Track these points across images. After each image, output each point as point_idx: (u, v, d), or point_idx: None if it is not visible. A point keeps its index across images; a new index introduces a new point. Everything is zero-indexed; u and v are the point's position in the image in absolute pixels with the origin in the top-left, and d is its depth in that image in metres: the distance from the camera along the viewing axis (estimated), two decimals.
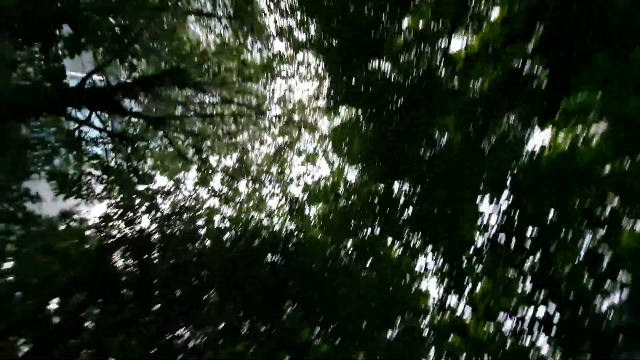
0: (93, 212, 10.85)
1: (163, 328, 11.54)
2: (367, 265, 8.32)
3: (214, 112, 8.50)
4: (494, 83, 6.72)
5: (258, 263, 10.94)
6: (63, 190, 9.70)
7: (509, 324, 5.94)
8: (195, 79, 7.50)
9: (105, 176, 10.62)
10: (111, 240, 11.10)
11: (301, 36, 8.47)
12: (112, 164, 10.48)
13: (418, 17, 7.00)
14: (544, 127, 6.69)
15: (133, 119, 8.52)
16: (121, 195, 11.25)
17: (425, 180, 6.84)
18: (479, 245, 5.50)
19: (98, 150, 10.90)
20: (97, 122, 9.20)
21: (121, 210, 11.61)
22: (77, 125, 7.70)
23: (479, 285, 5.66)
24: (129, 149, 8.48)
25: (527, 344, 5.58)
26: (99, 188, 10.74)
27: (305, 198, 9.41)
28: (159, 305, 12.23)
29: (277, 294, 10.63)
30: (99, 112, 7.32)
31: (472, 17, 6.83)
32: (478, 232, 5.83)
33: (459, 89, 6.87)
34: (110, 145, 8.61)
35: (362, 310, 8.65)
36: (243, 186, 11.44)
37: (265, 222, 10.81)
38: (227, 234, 11.51)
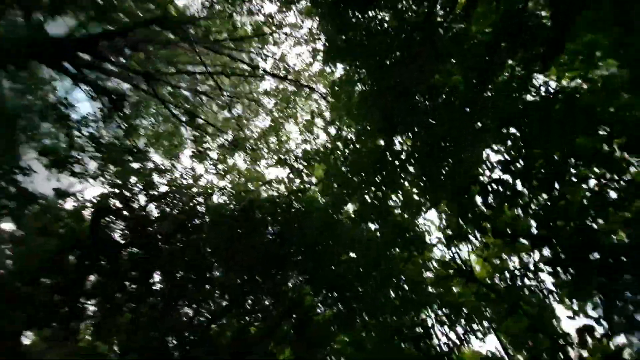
0: (88, 189, 10.61)
1: (167, 306, 11.49)
2: (370, 225, 8.22)
3: (206, 71, 8.18)
4: (496, 25, 6.46)
5: (259, 234, 10.82)
6: (55, 167, 9.45)
7: (516, 264, 5.92)
8: (183, 33, 7.16)
9: (98, 153, 10.36)
10: (109, 218, 10.91)
11: None
12: (105, 139, 10.19)
13: None
14: (548, 69, 6.48)
15: (120, 81, 8.13)
16: (116, 174, 11.02)
17: (429, 132, 6.66)
18: (484, 188, 5.38)
19: (90, 129, 10.60)
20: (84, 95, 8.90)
21: (117, 189, 11.39)
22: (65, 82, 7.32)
23: (485, 228, 5.55)
24: (120, 115, 8.18)
25: (534, 282, 5.55)
26: (92, 165, 10.50)
27: (304, 164, 9.21)
28: (161, 283, 12.16)
29: (279, 263, 10.54)
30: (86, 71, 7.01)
31: None
32: (483, 176, 5.69)
33: (461, 34, 6.61)
34: (100, 113, 8.29)
35: (365, 272, 8.59)
36: (241, 157, 11.24)
37: (264, 192, 10.66)
38: (227, 208, 11.36)
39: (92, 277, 11.43)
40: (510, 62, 6.64)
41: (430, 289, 7.65)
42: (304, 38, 9.77)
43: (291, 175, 8.75)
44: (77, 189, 11.12)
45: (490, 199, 5.10)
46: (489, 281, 6.62)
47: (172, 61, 8.20)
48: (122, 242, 9.97)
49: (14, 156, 8.01)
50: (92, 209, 8.93)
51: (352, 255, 9.31)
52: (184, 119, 9.46)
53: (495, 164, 5.60)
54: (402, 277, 7.72)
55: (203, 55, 7.98)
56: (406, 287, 7.82)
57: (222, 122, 11.57)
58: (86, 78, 7.11)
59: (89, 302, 11.55)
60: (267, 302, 11.77)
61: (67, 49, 6.25)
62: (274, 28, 9.41)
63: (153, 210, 11.84)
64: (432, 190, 6.05)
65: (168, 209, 12.02)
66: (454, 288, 7.18)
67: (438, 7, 6.74)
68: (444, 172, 6.05)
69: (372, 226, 8.44)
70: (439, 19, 6.87)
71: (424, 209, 7.06)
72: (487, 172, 5.59)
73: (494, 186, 5.16)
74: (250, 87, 10.27)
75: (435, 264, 7.66)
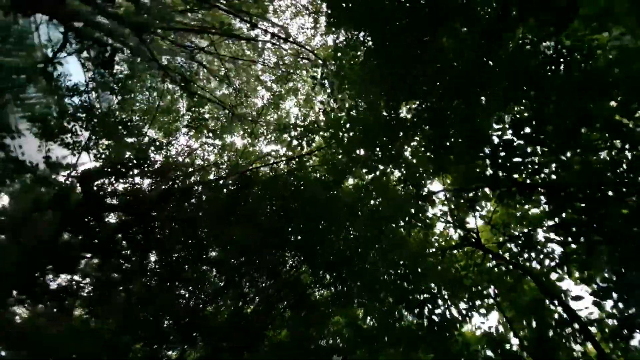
0: (81, 162, 10.28)
1: (162, 286, 11.25)
2: (371, 200, 7.95)
3: (202, 27, 7.76)
4: None
5: (256, 211, 10.54)
6: (46, 137, 9.09)
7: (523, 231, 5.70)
8: None
9: (90, 124, 9.98)
10: (102, 193, 10.61)
11: None
12: (97, 110, 9.82)
13: None
14: (560, 35, 6.17)
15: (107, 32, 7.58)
16: (110, 146, 10.69)
17: (436, 97, 6.37)
18: (494, 151, 5.11)
19: (82, 97, 10.17)
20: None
21: (111, 163, 11.06)
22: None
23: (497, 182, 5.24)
24: (113, 79, 7.78)
25: (542, 254, 5.33)
26: (85, 136, 10.14)
27: (304, 133, 8.86)
28: (157, 263, 11.90)
29: (276, 242, 10.28)
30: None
31: None
32: (493, 139, 5.43)
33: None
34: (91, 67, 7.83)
35: (365, 249, 8.35)
36: (239, 134, 10.90)
37: (263, 168, 10.36)
38: (224, 185, 11.07)
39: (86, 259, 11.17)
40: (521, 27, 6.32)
41: (431, 266, 7.39)
42: (305, 8, 9.40)
43: (293, 143, 8.36)
44: (74, 163, 10.77)
45: (500, 161, 4.86)
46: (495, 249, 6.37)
47: (166, 18, 7.77)
48: (114, 205, 9.61)
49: (1, 118, 7.63)
50: (80, 174, 8.59)
51: (352, 231, 9.05)
52: (180, 86, 9.06)
53: (506, 126, 5.33)
54: (403, 254, 7.46)
55: (198, 17, 7.58)
56: (407, 264, 7.56)
57: (220, 96, 11.21)
58: (75, 27, 6.68)
59: (84, 282, 11.30)
60: (263, 284, 11.52)
61: None
62: None
63: (147, 184, 11.54)
64: (439, 156, 5.78)
65: (164, 186, 11.71)
66: (457, 265, 6.93)
67: None
68: (451, 139, 5.78)
69: (373, 201, 8.16)
70: None
71: (429, 179, 6.79)
72: (496, 136, 5.33)
73: (505, 149, 4.91)
74: (250, 56, 9.86)
75: (438, 237, 7.41)
